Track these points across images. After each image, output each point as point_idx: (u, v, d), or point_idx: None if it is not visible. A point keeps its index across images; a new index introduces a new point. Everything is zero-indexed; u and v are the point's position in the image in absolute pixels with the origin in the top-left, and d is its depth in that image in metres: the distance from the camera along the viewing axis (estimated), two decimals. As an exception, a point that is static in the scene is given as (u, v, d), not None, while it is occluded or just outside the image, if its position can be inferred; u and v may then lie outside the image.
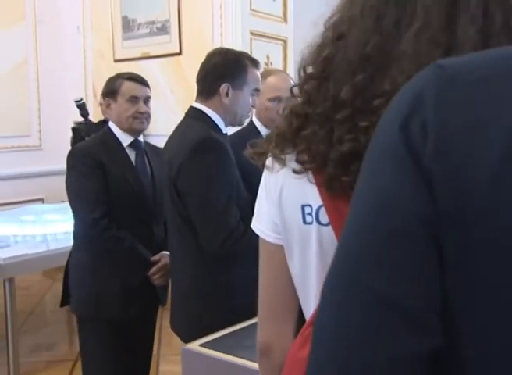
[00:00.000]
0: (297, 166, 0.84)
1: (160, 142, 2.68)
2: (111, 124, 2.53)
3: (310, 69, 0.81)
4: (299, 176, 0.85)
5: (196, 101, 2.11)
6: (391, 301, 0.47)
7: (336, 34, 0.78)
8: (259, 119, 2.47)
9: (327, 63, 0.78)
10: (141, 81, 2.53)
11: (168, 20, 4.68)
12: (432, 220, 0.46)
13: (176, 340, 4.07)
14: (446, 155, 0.45)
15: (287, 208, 0.89)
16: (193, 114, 2.09)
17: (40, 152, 5.40)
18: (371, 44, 0.73)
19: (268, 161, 0.91)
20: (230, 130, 2.27)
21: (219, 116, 2.07)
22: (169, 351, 3.81)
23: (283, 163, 0.87)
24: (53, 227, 3.71)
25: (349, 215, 0.54)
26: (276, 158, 0.88)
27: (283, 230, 0.92)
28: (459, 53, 0.65)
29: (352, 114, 0.74)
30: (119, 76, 2.52)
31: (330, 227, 0.83)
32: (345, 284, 0.50)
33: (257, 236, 2.01)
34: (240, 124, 2.38)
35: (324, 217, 0.84)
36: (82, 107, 4.38)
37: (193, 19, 4.50)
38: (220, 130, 2.06)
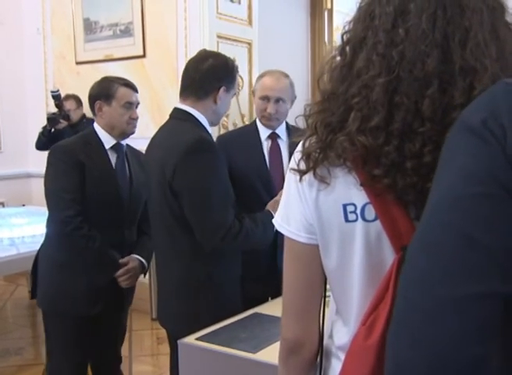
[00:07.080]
0: (339, 168, 0.91)
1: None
2: (96, 126, 2.54)
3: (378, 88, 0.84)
4: (337, 177, 0.92)
5: (183, 102, 2.11)
6: (482, 245, 0.57)
7: (399, 55, 0.84)
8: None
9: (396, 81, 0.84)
10: (134, 88, 2.57)
11: (131, 23, 4.66)
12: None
13: (147, 341, 4.13)
14: None
15: (325, 209, 0.95)
16: (178, 115, 2.11)
17: (0, 156, 5.31)
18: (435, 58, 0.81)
19: (301, 165, 0.95)
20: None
21: (205, 117, 2.09)
22: (140, 353, 3.84)
23: (317, 166, 0.93)
24: (20, 231, 3.67)
25: (437, 184, 0.64)
26: (315, 161, 0.93)
27: (320, 230, 0.97)
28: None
29: (432, 127, 0.81)
30: (113, 81, 2.53)
31: (377, 222, 0.90)
32: (437, 233, 0.60)
33: (253, 236, 2.06)
34: (217, 124, 2.44)
35: (370, 214, 0.91)
36: (57, 98, 4.40)
37: (157, 21, 4.49)
38: (207, 130, 2.09)
